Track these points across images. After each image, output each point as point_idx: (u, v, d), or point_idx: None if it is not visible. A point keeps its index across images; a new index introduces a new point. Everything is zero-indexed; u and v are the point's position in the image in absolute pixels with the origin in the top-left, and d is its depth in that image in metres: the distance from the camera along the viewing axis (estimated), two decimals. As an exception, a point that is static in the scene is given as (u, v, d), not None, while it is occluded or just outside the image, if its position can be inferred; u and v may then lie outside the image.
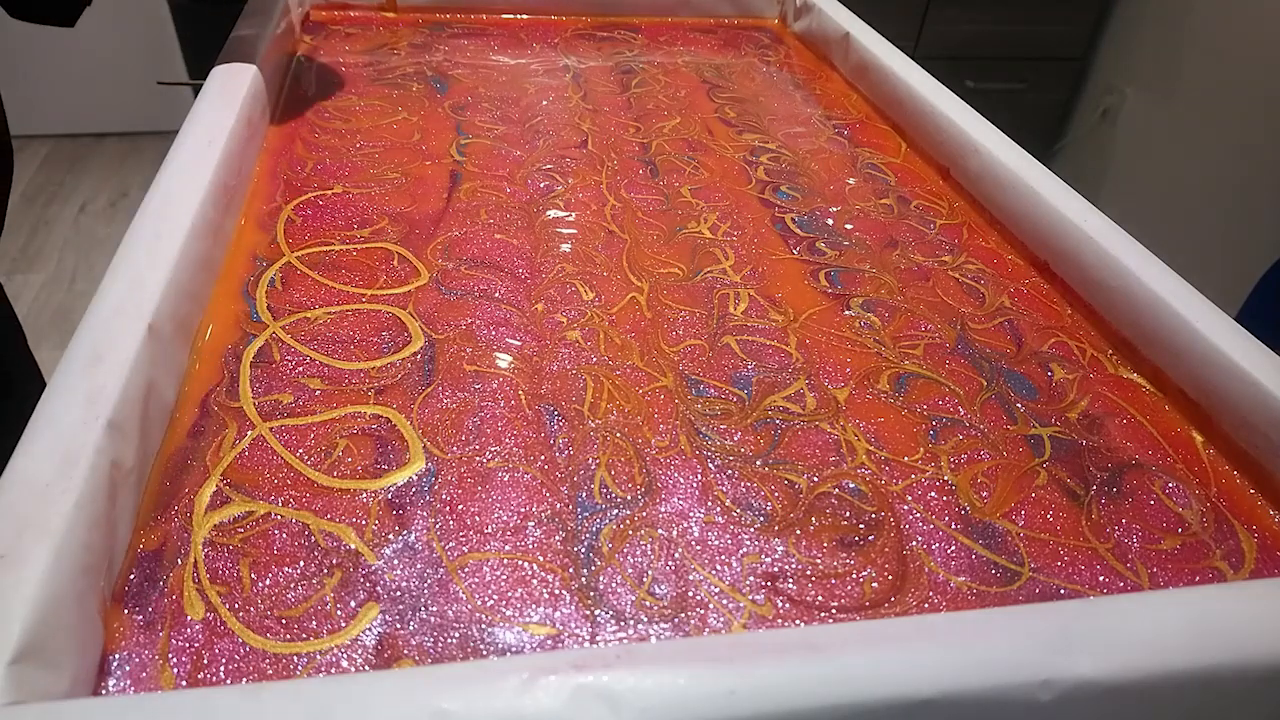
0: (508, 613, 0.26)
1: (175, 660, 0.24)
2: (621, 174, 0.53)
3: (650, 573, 0.28)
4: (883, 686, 0.20)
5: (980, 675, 0.21)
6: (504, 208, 0.48)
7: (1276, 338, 0.37)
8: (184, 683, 0.24)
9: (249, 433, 0.32)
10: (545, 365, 0.37)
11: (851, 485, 0.32)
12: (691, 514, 0.30)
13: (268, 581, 0.26)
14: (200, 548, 0.27)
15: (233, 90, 0.49)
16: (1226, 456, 0.35)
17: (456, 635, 0.25)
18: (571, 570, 0.28)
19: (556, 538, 0.29)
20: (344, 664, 0.24)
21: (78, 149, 1.93)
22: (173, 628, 0.25)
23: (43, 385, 0.60)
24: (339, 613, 0.26)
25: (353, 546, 0.28)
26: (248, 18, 0.58)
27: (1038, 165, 0.48)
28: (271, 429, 0.32)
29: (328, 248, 0.43)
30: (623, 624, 0.26)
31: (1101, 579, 0.29)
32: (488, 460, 0.32)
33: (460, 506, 0.30)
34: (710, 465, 0.32)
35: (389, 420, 0.33)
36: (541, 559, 0.28)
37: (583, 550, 0.28)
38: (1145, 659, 0.22)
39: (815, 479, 0.32)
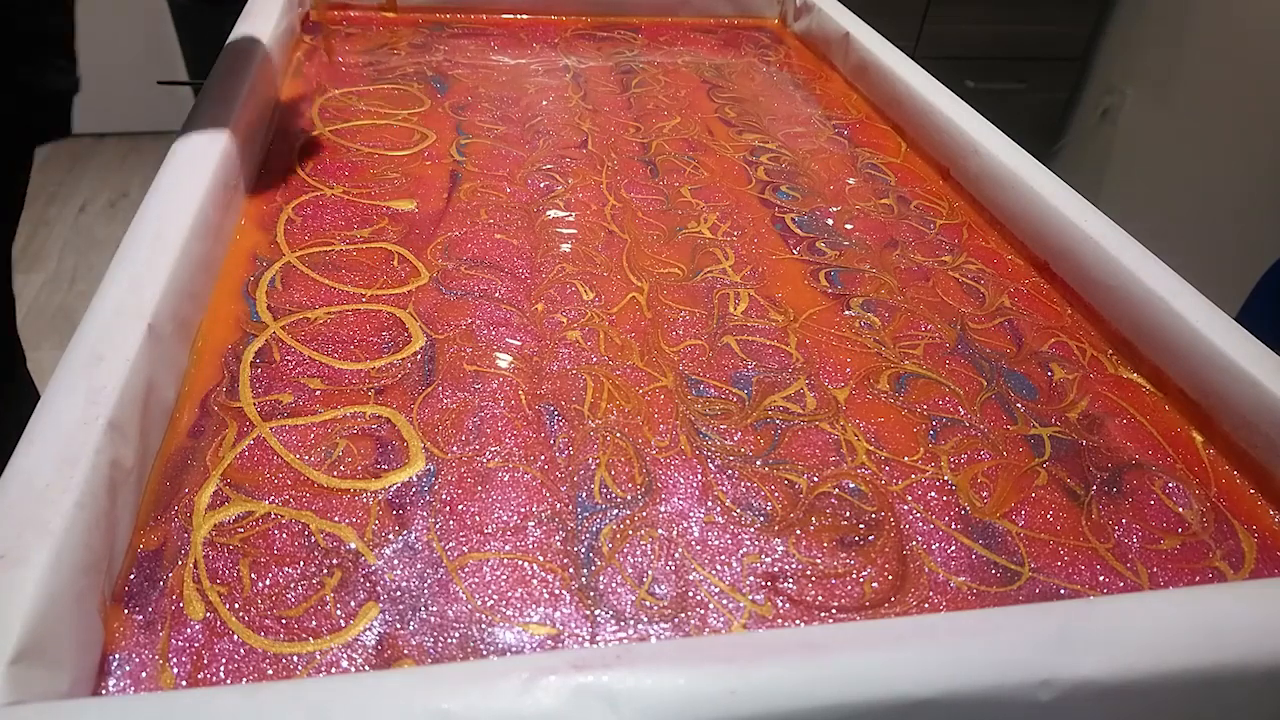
0: (508, 613, 0.26)
1: (175, 660, 0.24)
2: (621, 174, 0.53)
3: (650, 573, 0.28)
4: (883, 686, 0.20)
5: (980, 675, 0.21)
6: (504, 208, 0.48)
7: (1276, 338, 0.37)
8: (184, 683, 0.24)
9: (249, 433, 0.32)
10: (545, 365, 0.37)
11: (851, 485, 0.32)
12: (691, 514, 0.30)
13: (268, 581, 0.26)
14: (200, 548, 0.27)
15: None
16: (1226, 456, 0.35)
17: (456, 635, 0.25)
18: (571, 570, 0.28)
19: (556, 538, 0.29)
20: (344, 664, 0.24)
21: (78, 149, 1.93)
22: (173, 628, 0.25)
23: (25, 367, 0.60)
24: (339, 613, 0.26)
25: (353, 546, 0.28)
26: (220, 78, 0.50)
27: (1038, 165, 0.48)
28: (271, 429, 0.32)
29: (328, 248, 0.43)
30: (623, 624, 0.26)
31: (1101, 579, 0.29)
32: (488, 460, 0.32)
33: (460, 506, 0.30)
34: (710, 465, 0.32)
35: (389, 420, 0.33)
36: (541, 559, 0.28)
37: (583, 550, 0.28)
38: (1145, 659, 0.22)
39: (815, 479, 0.32)
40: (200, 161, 0.41)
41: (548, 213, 0.48)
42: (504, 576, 0.27)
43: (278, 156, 0.51)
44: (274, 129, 0.54)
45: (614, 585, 0.27)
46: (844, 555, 0.29)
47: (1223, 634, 0.23)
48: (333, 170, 0.50)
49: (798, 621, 0.27)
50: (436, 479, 0.31)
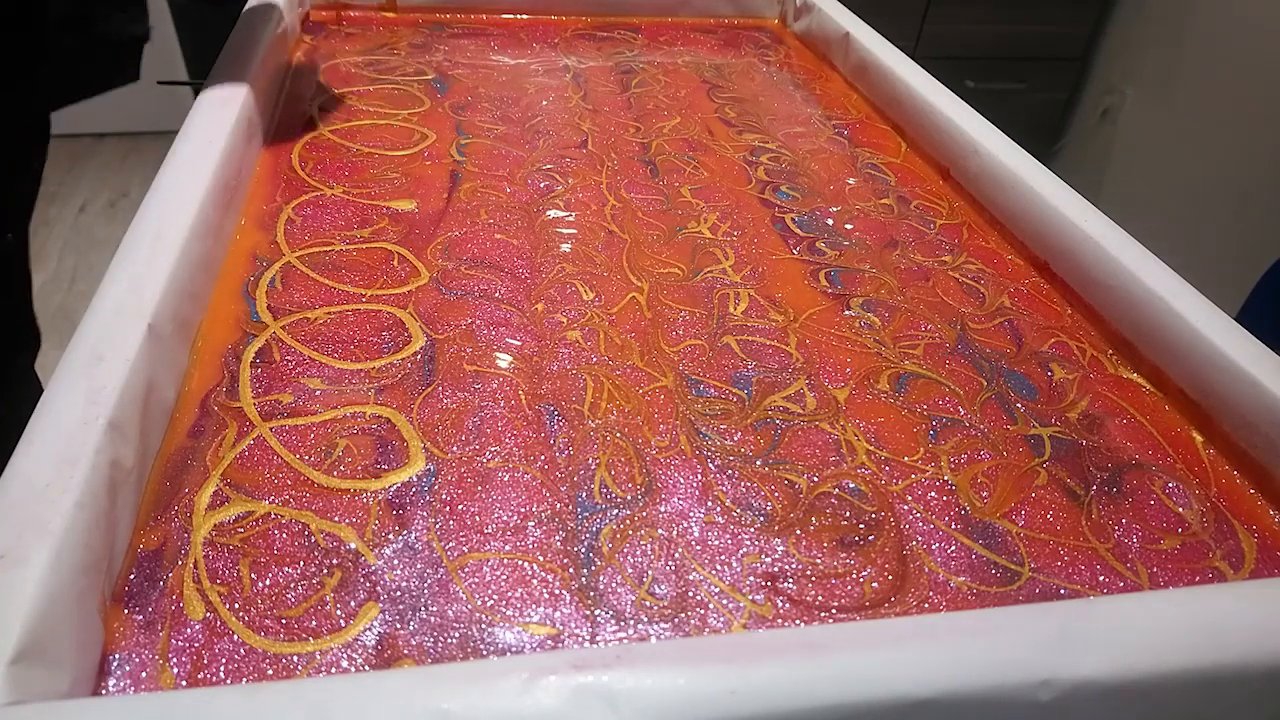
0: (508, 613, 0.26)
1: (175, 660, 0.24)
2: (621, 174, 0.53)
3: (650, 573, 0.28)
4: (883, 686, 0.20)
5: (980, 675, 0.21)
6: (504, 208, 0.48)
7: (1276, 338, 0.37)
8: (184, 683, 0.24)
9: (249, 433, 0.32)
10: (545, 365, 0.37)
11: (851, 485, 0.32)
12: (691, 514, 0.30)
13: (268, 581, 0.26)
14: (200, 548, 0.27)
15: (229, 101, 0.49)
16: (1226, 456, 0.35)
17: (456, 635, 0.25)
18: (571, 570, 0.28)
19: (556, 538, 0.29)
20: (344, 664, 0.24)
21: (78, 149, 1.92)
22: (173, 628, 0.25)
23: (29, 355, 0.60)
24: (339, 613, 0.26)
25: (353, 546, 0.28)
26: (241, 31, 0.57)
27: (1038, 165, 0.48)
28: (271, 429, 0.32)
29: (328, 248, 0.43)
30: (623, 624, 0.26)
31: (1101, 579, 0.29)
32: (488, 460, 0.32)
33: (460, 506, 0.30)
34: (710, 465, 0.32)
35: (389, 420, 0.33)
36: (541, 559, 0.28)
37: (583, 550, 0.28)
38: (1145, 659, 0.22)
39: (815, 479, 0.32)
40: (200, 161, 0.42)
41: (548, 213, 0.48)
42: (504, 576, 0.27)
43: (278, 156, 0.51)
44: (274, 128, 0.54)
45: (614, 585, 0.27)
46: (844, 555, 0.29)
47: (1223, 634, 0.23)
48: (333, 170, 0.50)
49: (798, 621, 0.27)
50: (436, 479, 0.31)
